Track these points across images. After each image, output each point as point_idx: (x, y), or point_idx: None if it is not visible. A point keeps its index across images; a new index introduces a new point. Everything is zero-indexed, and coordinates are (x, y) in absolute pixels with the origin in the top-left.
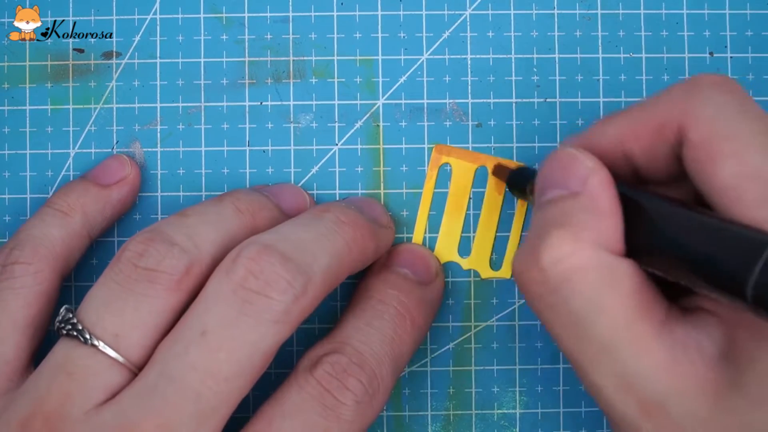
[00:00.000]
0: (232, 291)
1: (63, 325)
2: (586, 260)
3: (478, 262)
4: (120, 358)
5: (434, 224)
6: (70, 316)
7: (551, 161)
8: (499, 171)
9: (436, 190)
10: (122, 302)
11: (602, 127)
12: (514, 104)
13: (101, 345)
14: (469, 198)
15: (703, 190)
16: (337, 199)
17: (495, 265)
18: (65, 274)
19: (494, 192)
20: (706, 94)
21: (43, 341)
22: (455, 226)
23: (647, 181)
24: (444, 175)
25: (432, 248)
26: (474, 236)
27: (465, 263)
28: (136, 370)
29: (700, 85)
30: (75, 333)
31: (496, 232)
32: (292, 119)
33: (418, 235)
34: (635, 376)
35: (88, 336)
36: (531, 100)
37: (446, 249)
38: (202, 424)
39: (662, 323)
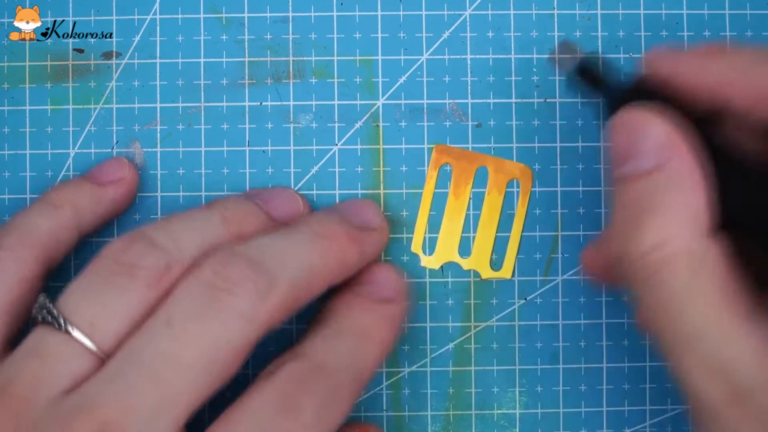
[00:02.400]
0: (199, 288)
1: (40, 310)
2: (683, 246)
3: (478, 262)
4: (93, 346)
5: (434, 225)
6: (47, 302)
7: (623, 127)
8: (564, 59)
9: (436, 191)
10: (101, 293)
11: (705, 62)
12: (513, 104)
13: (75, 332)
14: (469, 198)
15: None
16: (337, 199)
17: (495, 265)
18: (50, 266)
19: (495, 192)
20: None
21: (22, 329)
22: (455, 226)
23: (729, 126)
24: (444, 176)
25: (432, 249)
26: (474, 236)
27: (465, 264)
28: (107, 359)
29: None
30: (50, 319)
31: (497, 232)
32: (291, 119)
33: (419, 236)
34: (727, 363)
35: (62, 322)
36: (531, 100)
37: (447, 249)
38: (164, 411)
39: (753, 312)
